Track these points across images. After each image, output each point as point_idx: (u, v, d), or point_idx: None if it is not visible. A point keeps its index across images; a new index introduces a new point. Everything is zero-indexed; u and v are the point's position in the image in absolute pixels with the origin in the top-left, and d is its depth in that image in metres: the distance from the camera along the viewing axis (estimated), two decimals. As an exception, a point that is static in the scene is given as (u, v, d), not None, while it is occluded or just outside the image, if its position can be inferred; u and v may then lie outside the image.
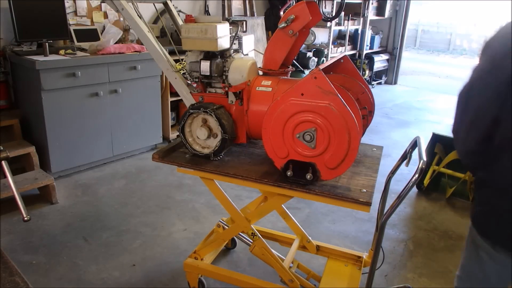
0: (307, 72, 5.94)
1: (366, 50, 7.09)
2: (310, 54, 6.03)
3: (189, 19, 1.73)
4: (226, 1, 4.83)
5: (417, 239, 2.74)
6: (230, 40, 1.77)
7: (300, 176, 1.48)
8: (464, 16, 15.50)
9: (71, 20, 3.56)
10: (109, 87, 3.39)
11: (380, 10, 7.16)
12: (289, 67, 1.81)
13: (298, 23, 1.64)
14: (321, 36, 6.45)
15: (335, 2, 6.01)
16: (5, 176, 1.23)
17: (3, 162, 1.23)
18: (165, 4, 2.15)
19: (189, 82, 1.80)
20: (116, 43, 3.48)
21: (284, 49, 1.70)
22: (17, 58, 3.13)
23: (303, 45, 6.15)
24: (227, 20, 1.82)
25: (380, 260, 1.80)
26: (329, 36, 6.34)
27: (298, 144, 1.44)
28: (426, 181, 3.29)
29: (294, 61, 5.91)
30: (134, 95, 3.59)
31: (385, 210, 1.62)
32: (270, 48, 1.73)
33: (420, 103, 6.55)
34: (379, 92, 7.15)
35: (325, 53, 6.34)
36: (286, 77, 1.78)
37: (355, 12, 6.70)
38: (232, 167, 1.68)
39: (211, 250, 2.12)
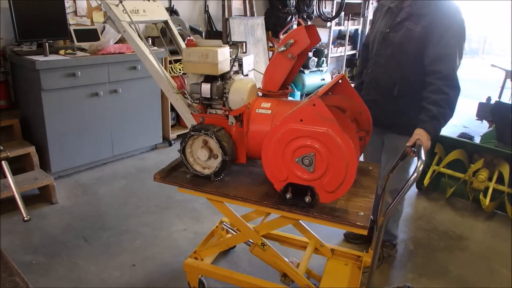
0: (307, 72, 5.95)
1: (366, 50, 7.09)
2: (310, 54, 6.03)
3: (190, 43, 1.75)
4: (226, 1, 4.83)
5: (417, 239, 2.74)
6: (231, 63, 1.80)
7: (299, 198, 1.51)
8: (464, 16, 15.47)
9: (71, 20, 3.56)
10: (109, 87, 3.39)
11: (380, 10, 7.15)
12: (288, 88, 1.84)
13: (297, 47, 1.67)
14: (321, 36, 6.44)
15: (335, 2, 6.01)
16: (5, 176, 1.23)
17: (3, 162, 1.23)
18: (166, 23, 2.16)
19: (190, 102, 1.83)
20: (116, 43, 3.48)
21: (284, 72, 1.74)
22: (17, 58, 3.13)
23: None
24: (227, 42, 1.84)
25: (380, 259, 1.81)
26: (329, 36, 6.34)
27: (297, 168, 1.46)
28: (426, 181, 3.29)
29: (294, 61, 5.90)
30: (134, 95, 3.59)
31: (385, 210, 1.62)
32: (269, 71, 1.77)
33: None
34: (379, 92, 7.15)
35: (325, 53, 6.34)
36: (285, 98, 1.81)
37: (355, 12, 6.70)
38: (233, 188, 1.71)
39: (212, 253, 2.11)
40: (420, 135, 1.81)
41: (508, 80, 4.39)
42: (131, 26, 1.86)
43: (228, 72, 1.80)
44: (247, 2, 5.14)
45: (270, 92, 1.78)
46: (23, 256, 2.34)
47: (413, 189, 3.39)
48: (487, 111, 3.72)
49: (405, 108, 2.08)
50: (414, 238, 2.75)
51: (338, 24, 6.49)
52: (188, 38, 1.80)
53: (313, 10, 5.86)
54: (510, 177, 2.92)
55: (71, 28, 3.48)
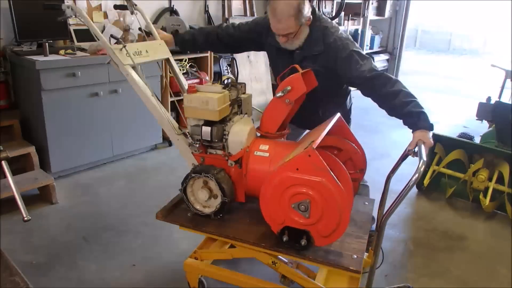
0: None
1: (366, 50, 7.09)
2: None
3: (191, 89, 1.81)
4: (226, 1, 4.83)
5: (417, 239, 2.74)
6: (230, 107, 1.85)
7: (295, 241, 1.57)
8: (464, 16, 15.50)
9: (71, 20, 3.54)
10: (109, 87, 3.39)
11: (380, 10, 7.16)
12: (286, 129, 1.91)
13: (294, 93, 1.74)
14: (321, 36, 6.44)
15: (335, 2, 6.01)
16: (5, 176, 1.23)
17: (3, 162, 1.23)
18: (168, 60, 2.21)
19: (190, 142, 1.89)
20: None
21: (281, 116, 1.81)
22: (17, 58, 3.13)
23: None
24: (227, 85, 1.91)
25: (380, 260, 1.81)
26: (329, 36, 6.33)
27: (294, 213, 1.53)
28: (426, 181, 3.29)
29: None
30: (134, 95, 3.52)
31: (385, 210, 1.63)
32: (267, 114, 1.84)
33: (420, 103, 6.53)
34: (379, 92, 7.15)
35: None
36: (283, 139, 1.90)
37: (355, 12, 6.70)
38: (232, 228, 1.77)
39: (213, 258, 2.12)
40: (421, 135, 1.81)
41: (508, 80, 4.38)
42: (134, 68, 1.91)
43: (228, 115, 1.85)
44: (247, 2, 5.14)
45: (268, 134, 1.85)
46: (23, 256, 2.34)
47: (413, 189, 3.39)
48: (487, 111, 3.71)
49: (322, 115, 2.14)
50: (414, 238, 2.75)
51: (338, 24, 6.48)
52: (190, 84, 1.87)
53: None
54: (510, 177, 2.92)
55: (71, 28, 3.47)
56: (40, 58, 2.99)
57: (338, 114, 1.86)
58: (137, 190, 3.21)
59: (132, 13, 2.26)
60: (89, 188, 3.20)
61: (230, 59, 4.77)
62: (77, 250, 2.44)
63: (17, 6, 3.05)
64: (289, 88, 1.72)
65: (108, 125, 3.49)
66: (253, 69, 5.14)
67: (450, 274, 2.39)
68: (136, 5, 2.22)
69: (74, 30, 3.48)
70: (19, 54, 3.11)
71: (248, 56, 5.06)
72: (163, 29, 4.10)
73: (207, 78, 4.27)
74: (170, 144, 4.15)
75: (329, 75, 2.00)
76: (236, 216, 1.86)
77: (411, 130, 1.87)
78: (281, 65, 2.07)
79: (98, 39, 1.89)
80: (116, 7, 2.42)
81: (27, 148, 3.03)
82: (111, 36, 1.93)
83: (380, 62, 7.40)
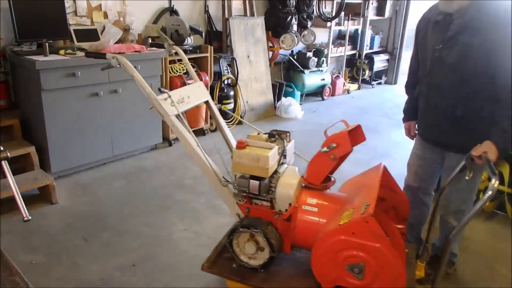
0: (307, 72, 5.95)
1: (366, 50, 7.09)
2: (310, 54, 6.03)
3: (240, 145, 1.79)
4: (226, 1, 4.83)
5: (417, 239, 2.74)
6: (278, 161, 1.84)
7: None
8: None
9: (71, 20, 3.56)
10: (109, 87, 3.39)
11: (380, 10, 7.16)
12: (331, 180, 1.87)
13: (339, 151, 1.72)
14: (321, 36, 6.45)
15: (335, 2, 6.01)
16: (5, 176, 1.23)
17: (3, 162, 1.23)
18: (207, 102, 2.18)
19: (235, 192, 1.87)
20: (116, 43, 3.48)
21: (326, 170, 1.79)
22: (17, 58, 3.13)
23: (303, 45, 6.16)
24: (272, 136, 1.91)
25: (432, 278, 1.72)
26: (329, 36, 6.34)
27: (347, 274, 1.54)
28: (426, 181, 3.28)
29: (294, 60, 5.92)
30: (134, 95, 3.59)
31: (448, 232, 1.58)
32: (312, 167, 1.82)
33: None
34: (379, 92, 7.15)
35: (325, 53, 6.34)
36: (328, 190, 1.87)
37: (355, 12, 6.70)
38: (278, 281, 1.77)
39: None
40: (489, 148, 1.73)
41: (508, 80, 4.38)
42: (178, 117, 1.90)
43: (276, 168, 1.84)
44: (247, 2, 5.14)
45: (312, 185, 1.83)
46: (23, 256, 2.34)
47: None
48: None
49: (470, 128, 1.90)
50: (414, 238, 2.74)
51: (338, 24, 6.49)
52: (239, 140, 1.83)
53: (313, 10, 5.86)
54: (510, 177, 2.92)
55: (71, 28, 3.47)
56: (40, 58, 2.99)
57: (382, 164, 1.82)
58: (137, 190, 3.21)
59: (169, 53, 2.27)
60: (89, 188, 3.20)
61: (230, 59, 4.78)
62: (77, 250, 2.44)
63: (17, 6, 3.05)
64: (334, 145, 1.70)
65: (108, 125, 3.49)
66: (253, 69, 5.14)
67: (450, 274, 2.39)
68: (174, 44, 2.21)
69: (74, 30, 3.49)
70: (19, 54, 3.10)
71: (248, 56, 5.06)
72: (163, 29, 4.11)
73: (207, 78, 4.27)
74: (170, 144, 4.15)
75: (485, 58, 1.73)
76: (280, 268, 1.85)
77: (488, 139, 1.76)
78: (431, 42, 1.91)
79: (143, 88, 1.91)
80: (152, 44, 2.37)
81: (27, 148, 3.03)
82: (159, 89, 1.93)
83: (380, 62, 7.40)
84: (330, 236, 1.52)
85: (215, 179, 1.92)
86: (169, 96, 1.86)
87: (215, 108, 2.20)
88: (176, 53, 2.26)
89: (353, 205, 1.62)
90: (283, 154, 1.88)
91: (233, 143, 2.08)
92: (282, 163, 1.92)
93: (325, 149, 1.72)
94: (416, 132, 2.35)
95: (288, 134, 1.95)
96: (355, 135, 1.80)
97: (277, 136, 1.90)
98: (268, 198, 1.81)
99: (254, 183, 1.76)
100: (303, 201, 1.77)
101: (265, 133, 1.94)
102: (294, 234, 1.78)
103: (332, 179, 1.89)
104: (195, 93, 2.09)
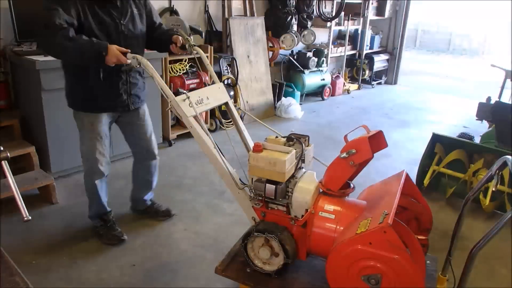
0: (307, 72, 5.95)
1: (366, 50, 7.10)
2: (310, 54, 6.03)
3: (257, 148, 1.76)
4: (226, 1, 4.83)
5: (417, 239, 2.74)
6: (295, 165, 1.80)
7: None
8: (464, 16, 15.50)
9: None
10: (109, 87, 3.38)
11: (380, 10, 7.16)
12: (350, 187, 1.84)
13: (359, 157, 1.67)
14: (321, 36, 6.45)
15: (335, 2, 6.01)
16: (5, 176, 1.23)
17: (3, 162, 1.23)
18: (226, 104, 2.17)
19: (252, 196, 1.85)
20: (116, 43, 3.47)
21: (345, 176, 1.75)
22: (17, 58, 3.13)
23: (303, 45, 6.16)
24: (291, 139, 1.87)
25: None
26: (329, 36, 6.34)
27: (363, 284, 1.49)
28: (426, 181, 3.29)
29: (294, 60, 5.92)
30: (134, 95, 3.59)
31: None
32: (330, 172, 1.78)
33: (420, 103, 6.55)
34: (379, 92, 7.16)
35: (325, 53, 6.34)
36: (346, 197, 1.82)
37: (355, 12, 6.70)
38: None
39: None
40: None
41: (508, 80, 4.38)
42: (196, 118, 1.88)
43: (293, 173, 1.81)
44: (247, 2, 5.14)
45: (330, 191, 1.78)
46: (23, 256, 2.34)
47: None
48: (487, 111, 3.72)
49: None
50: (414, 238, 2.74)
51: (338, 24, 6.48)
52: (256, 142, 1.80)
53: (313, 10, 5.87)
54: (510, 177, 2.92)
55: (71, 28, 3.47)
56: (40, 58, 2.99)
57: (405, 171, 1.78)
58: (137, 190, 3.20)
59: (191, 54, 2.23)
60: (89, 188, 3.19)
61: (230, 59, 4.78)
62: (77, 250, 2.44)
63: (17, 6, 3.05)
64: (354, 151, 1.66)
65: (108, 125, 3.48)
66: (253, 69, 5.14)
67: (450, 274, 2.38)
68: (195, 45, 2.18)
69: (74, 30, 3.48)
70: (19, 54, 3.10)
71: (248, 56, 5.06)
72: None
73: (207, 78, 4.26)
74: (170, 144, 4.15)
75: None
76: (296, 275, 1.82)
77: None
78: None
79: (163, 88, 1.87)
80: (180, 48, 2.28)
81: (27, 148, 3.03)
82: (178, 90, 1.92)
83: (380, 62, 7.40)
84: (346, 245, 1.48)
85: (232, 182, 1.89)
86: (188, 97, 1.84)
87: (234, 110, 2.16)
88: (197, 54, 2.20)
89: (371, 214, 1.58)
90: (301, 159, 1.84)
91: (251, 145, 2.06)
92: (300, 168, 1.88)
93: (344, 154, 1.68)
94: None
95: (307, 138, 1.90)
96: (376, 141, 1.75)
97: (295, 140, 1.85)
98: (284, 203, 1.77)
99: (271, 187, 1.74)
100: (320, 208, 1.73)
101: (283, 137, 1.90)
102: (310, 240, 1.74)
103: (351, 185, 1.84)
104: (215, 94, 2.05)
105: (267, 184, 1.75)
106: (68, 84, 2.30)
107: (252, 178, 1.83)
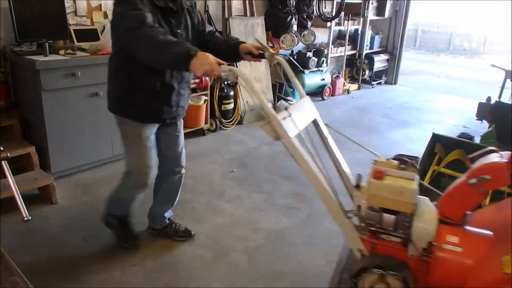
0: (307, 72, 5.95)
1: (366, 50, 7.09)
2: (310, 54, 6.03)
3: (378, 174, 1.58)
4: (226, 1, 4.83)
5: (417, 239, 2.74)
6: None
7: None
8: (464, 16, 15.51)
9: (71, 20, 3.56)
10: (109, 87, 3.38)
11: (380, 10, 7.16)
12: (468, 215, 1.65)
13: (493, 184, 1.51)
14: (321, 36, 6.45)
15: (335, 2, 6.01)
16: (5, 176, 1.23)
17: (3, 162, 1.23)
18: (315, 121, 1.92)
19: (359, 225, 1.68)
20: (116, 43, 3.47)
21: (471, 204, 1.58)
22: (17, 58, 3.13)
23: (303, 45, 6.16)
24: (403, 162, 1.65)
25: None
26: (329, 36, 6.34)
27: None
28: (426, 181, 3.29)
29: (294, 60, 5.92)
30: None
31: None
32: (451, 199, 1.62)
33: (420, 103, 6.55)
34: (379, 92, 7.16)
35: (325, 53, 6.34)
36: (468, 227, 1.63)
37: (355, 12, 6.69)
38: None
39: None
40: None
41: (508, 80, 4.39)
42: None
43: None
44: (247, 2, 5.14)
45: (448, 219, 1.60)
46: (23, 256, 2.34)
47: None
48: (487, 111, 3.72)
49: None
50: (414, 238, 2.74)
51: (338, 24, 6.48)
52: (377, 169, 1.59)
53: (313, 10, 5.87)
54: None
55: (71, 28, 3.47)
56: (40, 58, 2.99)
57: None
58: (137, 190, 3.20)
59: (271, 63, 2.01)
60: (89, 188, 3.20)
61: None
62: (77, 250, 2.44)
63: (17, 6, 3.05)
64: (488, 177, 1.47)
65: (108, 125, 3.47)
66: (253, 69, 5.14)
67: None
68: (275, 53, 1.94)
69: (74, 30, 3.49)
70: (19, 54, 3.10)
71: (248, 56, 5.06)
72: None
73: (207, 78, 4.26)
74: (170, 144, 4.14)
75: None
76: None
77: None
78: None
79: (262, 106, 1.64)
80: (254, 56, 2.03)
81: (27, 148, 3.03)
82: (283, 98, 1.71)
83: (380, 62, 7.40)
84: (494, 286, 1.32)
85: (337, 210, 1.69)
86: (290, 115, 1.63)
87: (324, 127, 1.91)
88: (279, 63, 1.97)
89: (509, 248, 1.39)
90: (419, 185, 1.65)
91: (345, 169, 1.86)
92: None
93: (473, 180, 1.49)
94: None
95: (417, 159, 1.70)
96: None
97: (409, 162, 1.63)
98: (403, 234, 1.59)
99: (389, 217, 1.56)
100: (442, 239, 1.54)
101: (393, 158, 1.69)
102: (433, 277, 1.55)
103: (469, 212, 1.64)
104: (306, 109, 1.83)
105: (384, 214, 1.58)
106: (118, 89, 2.11)
107: (358, 206, 1.65)
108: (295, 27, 5.62)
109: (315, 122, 1.89)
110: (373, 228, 1.62)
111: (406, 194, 1.52)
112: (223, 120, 4.69)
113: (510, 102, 4.16)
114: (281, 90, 5.60)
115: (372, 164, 1.68)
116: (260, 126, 1.64)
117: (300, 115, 1.72)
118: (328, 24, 6.20)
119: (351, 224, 1.68)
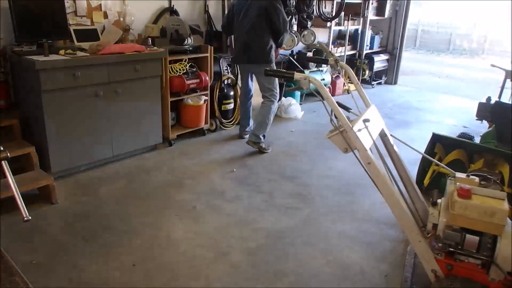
0: (307, 72, 5.94)
1: (366, 50, 7.09)
2: (310, 54, 6.03)
3: (464, 194, 1.49)
4: (226, 1, 4.83)
5: (417, 239, 2.73)
6: None
7: None
8: (464, 16, 15.51)
9: (71, 20, 3.55)
10: (109, 87, 3.38)
11: (380, 10, 7.16)
12: None
13: None
14: (321, 36, 6.45)
15: (335, 2, 6.01)
16: (5, 176, 1.23)
17: (3, 162, 1.23)
18: (382, 131, 1.87)
19: (436, 246, 1.61)
20: (116, 43, 3.48)
21: None
22: (17, 58, 3.13)
23: (303, 45, 6.16)
24: (485, 179, 1.61)
25: None
26: (329, 36, 6.34)
27: None
28: (426, 181, 3.29)
29: (294, 60, 5.92)
30: (134, 95, 3.59)
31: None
32: None
33: (420, 103, 6.55)
34: (379, 92, 7.16)
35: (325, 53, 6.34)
36: None
37: (355, 12, 6.70)
38: None
39: None
40: None
41: (508, 80, 4.38)
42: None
43: None
44: (247, 2, 5.13)
45: None
46: (23, 256, 2.34)
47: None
48: (487, 111, 3.72)
49: None
50: (414, 238, 2.74)
51: (338, 24, 6.48)
52: (462, 186, 1.51)
53: (313, 10, 5.86)
54: (510, 177, 2.92)
55: (71, 28, 3.47)
56: (40, 58, 2.99)
57: None
58: (137, 190, 3.21)
59: (335, 70, 2.01)
60: (89, 188, 3.20)
61: (230, 59, 4.77)
62: (77, 250, 2.44)
63: (17, 6, 3.05)
64: None
65: (108, 125, 3.48)
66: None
67: (450, 274, 2.38)
68: (339, 61, 1.93)
69: (74, 30, 3.49)
70: (19, 54, 3.10)
71: (248, 56, 5.05)
72: (163, 29, 4.10)
73: (207, 78, 4.26)
74: (170, 144, 4.14)
75: None
76: None
77: None
78: None
79: (338, 117, 1.60)
80: (313, 59, 2.06)
81: (27, 148, 3.03)
82: (343, 107, 1.68)
83: (380, 62, 7.40)
84: None
85: (414, 229, 1.63)
86: (366, 127, 1.58)
87: (391, 139, 1.84)
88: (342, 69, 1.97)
89: None
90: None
91: (413, 182, 1.79)
92: None
93: None
94: None
95: (499, 175, 1.68)
96: None
97: (491, 179, 1.56)
98: (485, 256, 1.51)
99: (473, 239, 1.48)
100: None
101: (474, 174, 1.61)
102: None
103: None
104: (376, 119, 1.76)
105: (467, 235, 1.50)
106: (267, 45, 3.87)
107: (432, 224, 1.59)
108: (295, 27, 5.62)
109: (381, 132, 1.82)
110: (452, 249, 1.53)
111: (498, 215, 1.43)
112: (223, 120, 4.69)
113: (510, 102, 4.16)
114: (281, 90, 5.59)
115: (449, 180, 1.58)
116: (328, 137, 1.58)
117: (372, 126, 1.67)
118: (328, 24, 6.20)
119: (427, 244, 1.61)
